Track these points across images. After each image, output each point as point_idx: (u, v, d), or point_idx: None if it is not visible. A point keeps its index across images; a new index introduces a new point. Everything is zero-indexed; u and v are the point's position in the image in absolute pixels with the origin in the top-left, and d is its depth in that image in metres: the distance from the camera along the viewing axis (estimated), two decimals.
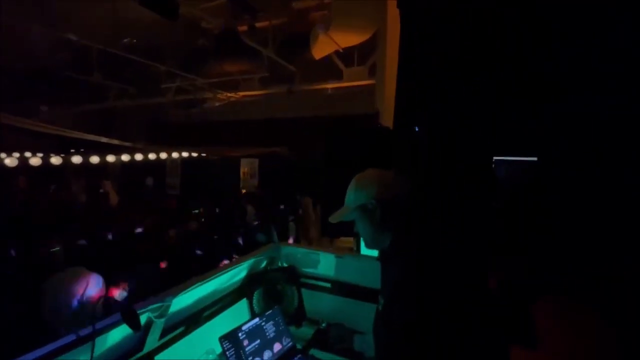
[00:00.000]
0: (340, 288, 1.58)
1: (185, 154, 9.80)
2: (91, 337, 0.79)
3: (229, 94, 9.60)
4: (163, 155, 9.16)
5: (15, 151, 7.96)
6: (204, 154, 10.65)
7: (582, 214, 2.97)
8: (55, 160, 7.10)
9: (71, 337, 0.80)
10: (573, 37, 2.53)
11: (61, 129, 8.61)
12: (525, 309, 2.40)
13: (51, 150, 9.29)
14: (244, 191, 10.11)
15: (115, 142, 7.61)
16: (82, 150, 9.24)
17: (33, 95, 9.77)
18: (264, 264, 1.63)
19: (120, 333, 0.94)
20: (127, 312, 0.83)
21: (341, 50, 6.71)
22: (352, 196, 1.05)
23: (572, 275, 2.81)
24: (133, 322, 0.83)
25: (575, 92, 2.77)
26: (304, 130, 10.45)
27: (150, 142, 11.10)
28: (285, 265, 1.67)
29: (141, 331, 0.98)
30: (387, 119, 5.63)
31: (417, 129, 2.57)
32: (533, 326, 2.42)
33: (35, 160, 7.14)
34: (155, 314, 1.00)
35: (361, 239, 2.18)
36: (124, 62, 7.45)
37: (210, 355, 1.19)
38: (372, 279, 1.52)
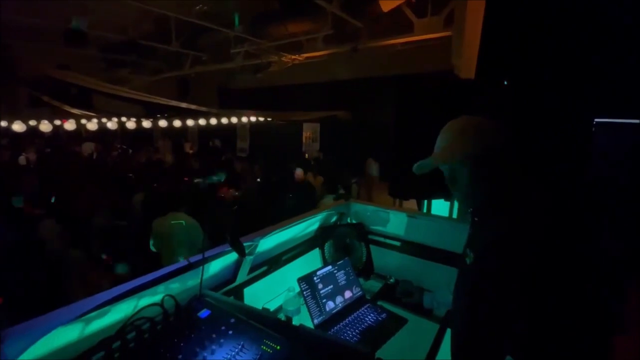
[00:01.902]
0: (410, 247, 1.58)
1: (253, 119, 10.29)
2: (201, 263, 0.94)
3: (292, 57, 9.58)
4: (234, 120, 9.74)
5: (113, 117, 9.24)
6: (269, 119, 11.05)
7: None
8: (147, 124, 8.05)
9: (184, 263, 0.96)
10: None
11: (148, 95, 9.67)
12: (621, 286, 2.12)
13: (139, 115, 10.58)
14: (307, 156, 10.36)
15: (193, 107, 8.27)
16: (165, 115, 10.33)
17: (122, 64, 11.03)
18: (334, 219, 1.70)
19: (219, 264, 1.09)
20: (234, 241, 0.97)
21: (413, 0, 6.09)
22: (447, 144, 0.93)
23: None
24: (239, 249, 0.97)
25: None
26: (368, 92, 10.09)
27: (221, 107, 11.88)
28: (354, 221, 1.72)
29: (235, 265, 1.12)
30: (466, 75, 5.10)
31: (505, 83, 2.27)
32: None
33: (130, 124, 8.19)
34: (246, 251, 1.15)
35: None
36: (198, 29, 7.88)
37: (291, 293, 1.33)
38: (444, 240, 1.48)
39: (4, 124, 6.87)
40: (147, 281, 0.86)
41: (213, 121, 9.21)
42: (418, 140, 2.23)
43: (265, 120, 10.94)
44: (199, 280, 0.97)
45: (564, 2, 2.24)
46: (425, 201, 2.17)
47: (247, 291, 1.27)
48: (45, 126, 7.39)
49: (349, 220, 1.74)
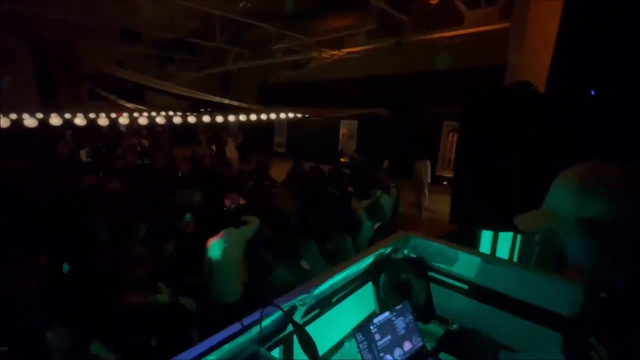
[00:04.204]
0: (481, 292, 1.38)
1: (290, 115, 10.28)
2: (258, 322, 0.86)
3: (333, 52, 9.38)
4: (272, 116, 9.79)
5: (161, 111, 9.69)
6: (306, 115, 10.98)
7: None
8: (191, 119, 8.32)
9: (237, 327, 0.87)
10: None
11: (193, 91, 10.01)
12: None
13: (185, 110, 11.02)
14: (342, 159, 10.12)
15: (235, 103, 8.41)
16: (208, 110, 10.67)
17: (171, 61, 11.54)
18: (388, 251, 1.53)
19: (271, 317, 0.98)
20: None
21: None
22: (567, 200, 0.76)
23: None
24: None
25: None
26: (412, 88, 9.61)
27: (260, 102, 12.03)
28: (412, 255, 1.55)
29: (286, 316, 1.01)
30: (526, 73, 4.59)
31: (592, 93, 1.93)
32: None
33: (177, 119, 8.53)
34: (301, 302, 1.04)
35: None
36: (241, 26, 7.96)
37: (346, 343, 1.21)
38: (526, 291, 1.27)
39: (67, 116, 7.47)
40: (204, 350, 0.78)
41: (253, 117, 9.32)
42: (487, 155, 1.99)
43: (302, 116, 10.88)
44: (249, 337, 0.89)
45: None
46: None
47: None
48: (103, 120, 7.93)
49: (406, 254, 1.56)
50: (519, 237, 2.19)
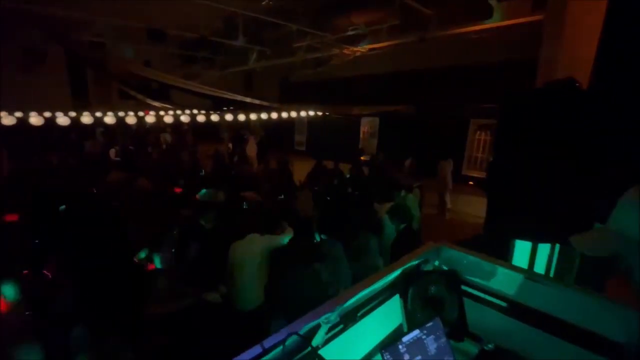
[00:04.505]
0: (521, 311, 1.25)
1: (311, 113, 10.22)
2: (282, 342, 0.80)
3: (355, 49, 9.23)
4: (293, 114, 9.78)
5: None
6: (327, 113, 10.89)
7: None
8: (215, 117, 8.44)
9: (258, 350, 0.82)
10: None
11: (217, 90, 10.17)
12: None
13: (208, 108, 11.22)
14: (363, 158, 9.96)
15: (257, 102, 8.46)
16: (231, 108, 10.81)
17: (195, 60, 11.78)
18: (417, 262, 1.44)
19: (293, 338, 0.92)
20: None
21: None
22: (637, 221, 0.68)
23: None
24: None
25: None
26: (437, 84, 9.30)
27: (281, 100, 12.06)
28: (444, 268, 1.44)
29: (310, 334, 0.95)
30: (561, 68, 4.29)
31: None
32: None
33: (201, 118, 8.67)
34: (325, 321, 0.98)
35: None
36: (263, 24, 7.97)
37: None
38: (574, 314, 1.14)
39: (98, 114, 7.78)
40: None
41: (274, 115, 9.35)
42: (533, 160, 1.82)
43: (323, 114, 10.80)
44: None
45: None
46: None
47: (321, 352, 1.09)
48: (131, 118, 8.19)
49: (436, 265, 1.46)
50: (557, 247, 2.02)
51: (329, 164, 7.23)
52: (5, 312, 1.99)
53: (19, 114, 6.65)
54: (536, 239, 1.71)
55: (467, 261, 1.37)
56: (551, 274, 1.95)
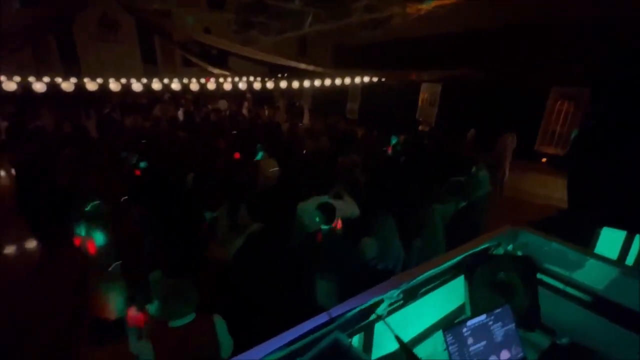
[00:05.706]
0: (607, 308, 1.10)
1: (366, 79, 9.73)
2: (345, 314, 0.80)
3: (419, 6, 8.39)
4: (347, 80, 9.44)
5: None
6: (382, 79, 10.25)
7: None
8: (270, 84, 8.51)
9: (324, 317, 0.83)
10: None
11: (271, 56, 10.16)
12: None
13: (264, 75, 11.35)
14: (420, 128, 9.30)
15: (310, 68, 8.30)
16: (285, 75, 10.79)
17: (252, 25, 11.80)
18: (487, 245, 1.33)
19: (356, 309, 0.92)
20: None
21: None
22: None
23: None
24: None
25: None
26: (511, 45, 8.12)
27: (336, 66, 11.64)
28: (519, 253, 1.31)
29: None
30: None
31: None
32: None
33: (257, 85, 8.80)
34: (389, 297, 0.96)
35: None
36: None
37: (432, 341, 1.11)
38: None
39: (166, 81, 8.37)
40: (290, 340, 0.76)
41: (327, 82, 9.11)
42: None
43: (379, 80, 10.19)
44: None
45: None
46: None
47: (379, 327, 1.09)
48: (194, 85, 8.64)
49: (509, 249, 1.34)
50: None
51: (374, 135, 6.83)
52: (94, 255, 2.35)
53: (99, 80, 7.39)
54: (635, 228, 1.46)
55: (547, 247, 1.22)
56: None
